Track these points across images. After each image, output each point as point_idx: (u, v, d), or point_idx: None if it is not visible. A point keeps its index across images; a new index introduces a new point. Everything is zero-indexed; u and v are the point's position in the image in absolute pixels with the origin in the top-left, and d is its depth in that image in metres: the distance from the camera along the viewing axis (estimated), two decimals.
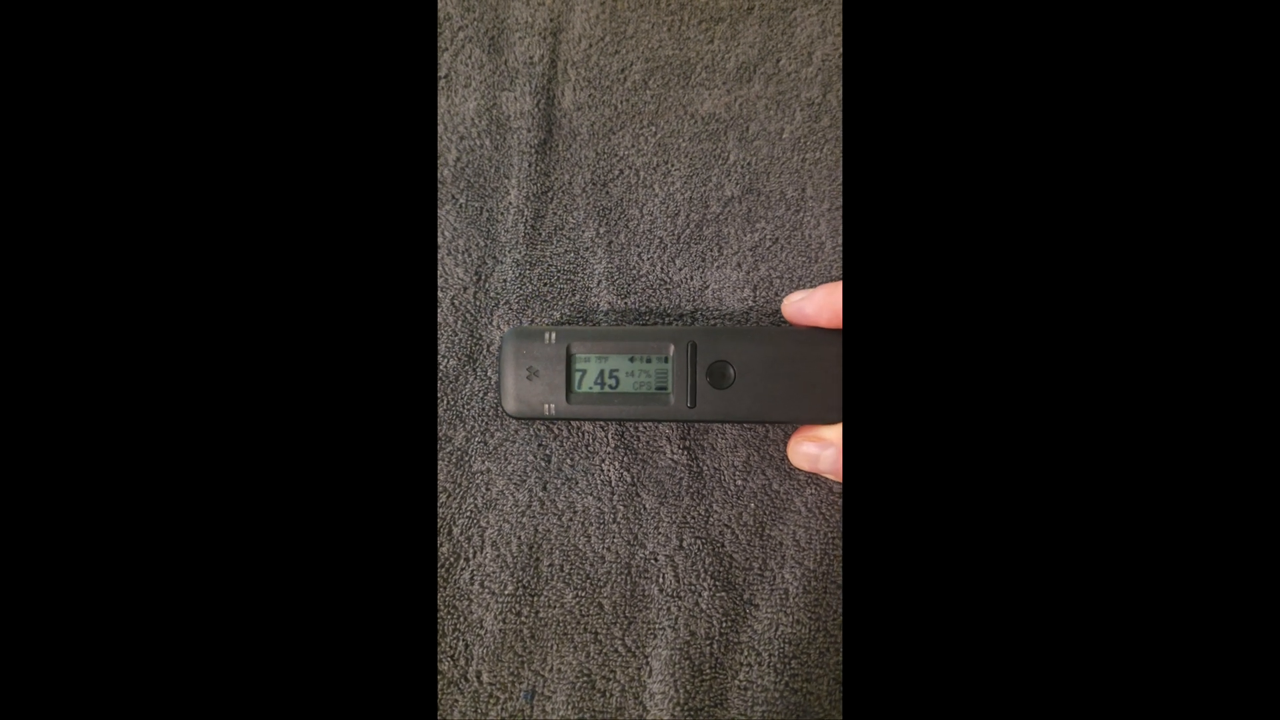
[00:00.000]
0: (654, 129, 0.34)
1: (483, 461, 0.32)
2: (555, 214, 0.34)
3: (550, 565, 0.32)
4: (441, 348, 0.33)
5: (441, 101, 0.35)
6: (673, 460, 0.32)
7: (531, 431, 0.32)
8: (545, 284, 0.33)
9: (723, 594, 0.31)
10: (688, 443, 0.32)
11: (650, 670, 0.31)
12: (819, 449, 0.29)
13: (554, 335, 0.30)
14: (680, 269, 0.33)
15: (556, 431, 0.33)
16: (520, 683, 0.31)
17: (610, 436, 0.32)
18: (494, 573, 0.32)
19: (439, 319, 0.33)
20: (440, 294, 0.33)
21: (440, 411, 0.33)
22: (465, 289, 0.33)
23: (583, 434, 0.32)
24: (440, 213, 0.34)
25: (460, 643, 0.31)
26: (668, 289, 0.33)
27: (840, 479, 0.29)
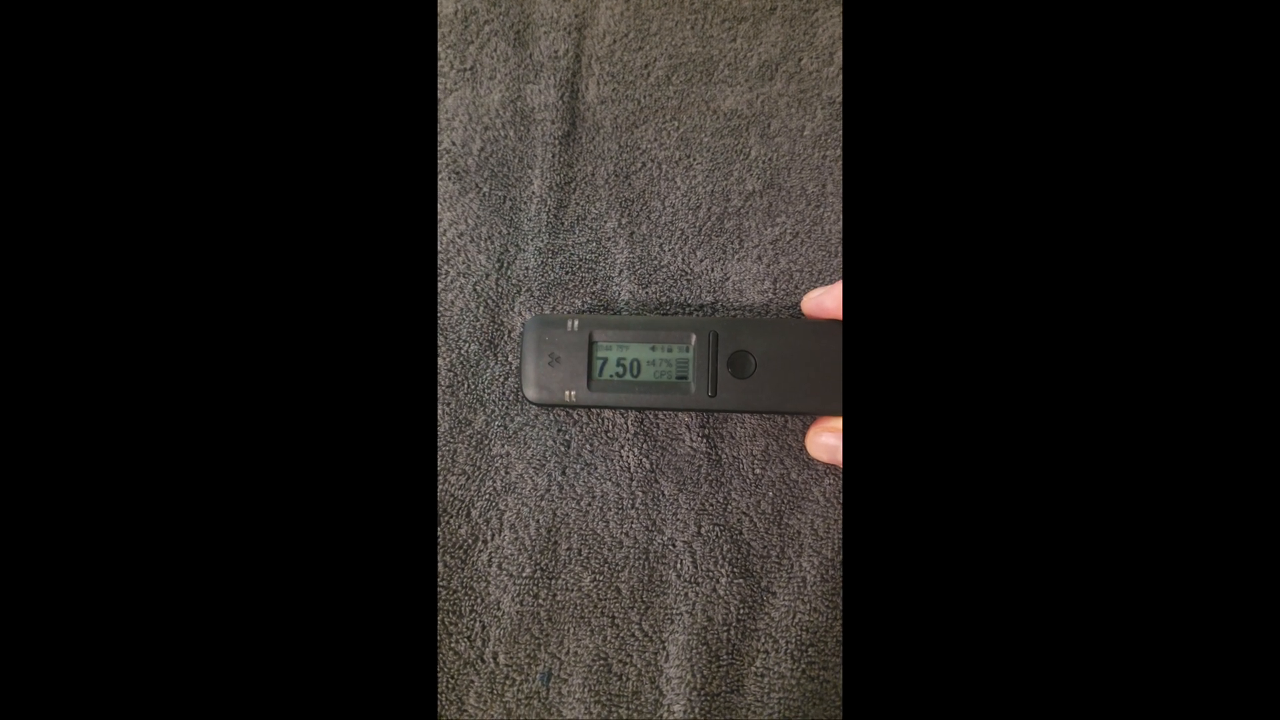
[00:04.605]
0: (676, 124, 0.35)
1: (502, 445, 0.33)
2: (578, 204, 0.34)
3: (568, 549, 0.32)
4: (463, 333, 0.33)
5: (466, 93, 0.35)
6: (692, 448, 0.32)
7: (551, 417, 0.33)
8: (567, 272, 0.34)
9: (740, 581, 0.32)
10: (707, 431, 0.33)
11: (667, 655, 0.31)
12: (837, 440, 0.29)
13: (576, 323, 0.30)
14: (701, 260, 0.34)
15: (576, 417, 0.33)
16: (537, 665, 0.31)
17: (630, 423, 0.33)
18: (512, 555, 0.32)
19: (461, 304, 0.33)
20: (463, 280, 0.34)
21: (461, 395, 0.33)
22: (488, 275, 0.34)
23: (602, 420, 0.33)
24: (464, 201, 0.34)
25: (477, 624, 0.31)
26: (688, 280, 0.33)
27: None
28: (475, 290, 0.34)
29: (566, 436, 0.33)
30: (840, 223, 0.34)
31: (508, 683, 0.31)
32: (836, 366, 0.29)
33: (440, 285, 0.34)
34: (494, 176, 0.34)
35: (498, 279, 0.34)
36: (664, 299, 0.33)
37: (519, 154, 0.35)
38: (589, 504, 0.32)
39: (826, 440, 0.29)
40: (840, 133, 0.34)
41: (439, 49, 0.36)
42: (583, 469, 0.32)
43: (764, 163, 0.34)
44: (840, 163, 0.34)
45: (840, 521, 0.32)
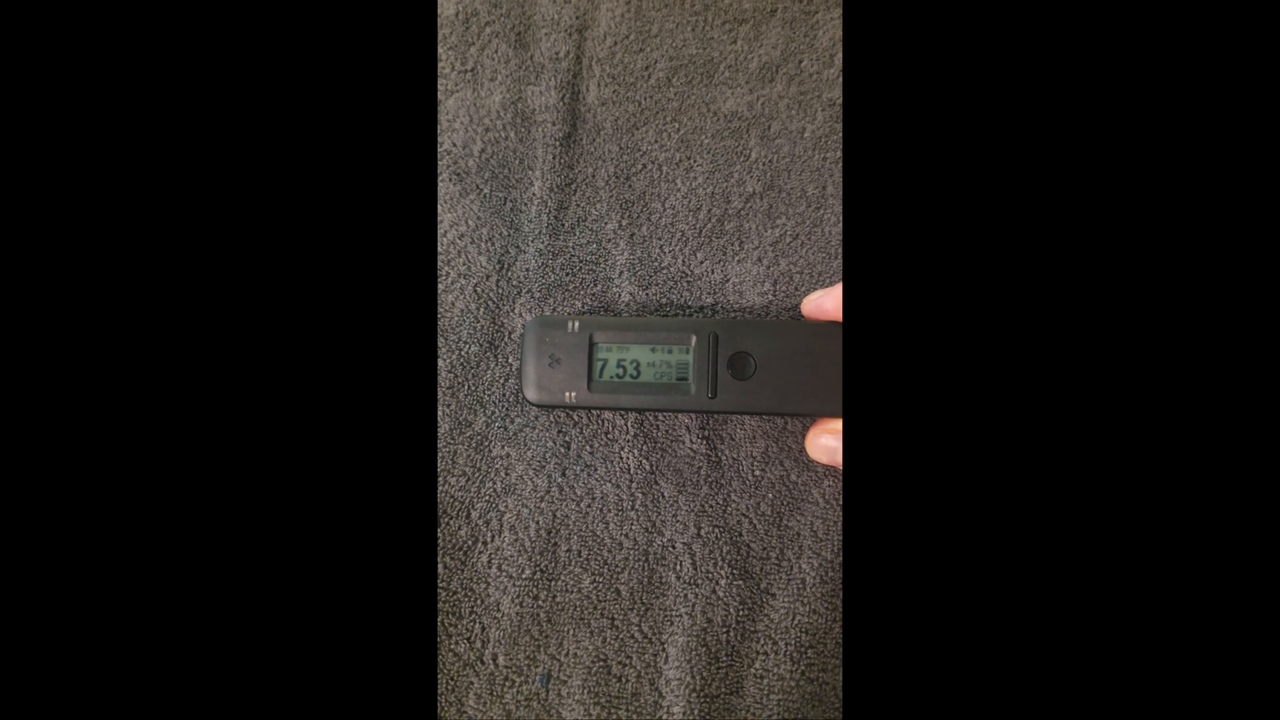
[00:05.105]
0: (677, 125, 0.35)
1: (502, 446, 0.33)
2: (578, 205, 0.34)
3: (568, 550, 0.32)
4: (464, 334, 0.33)
5: (467, 94, 0.35)
6: (691, 449, 0.32)
7: (551, 418, 0.33)
8: (567, 274, 0.34)
9: (740, 582, 0.32)
10: (706, 432, 0.33)
11: (667, 657, 0.31)
12: (837, 442, 0.29)
13: (577, 324, 0.30)
14: (701, 262, 0.34)
15: (576, 418, 0.33)
16: (536, 666, 0.31)
17: (629, 424, 0.33)
18: (512, 556, 0.32)
19: (462, 306, 0.33)
20: (464, 281, 0.34)
21: (461, 397, 0.33)
22: (488, 277, 0.34)
23: (602, 421, 0.33)
24: (464, 202, 0.34)
25: (477, 625, 0.31)
26: (688, 282, 0.34)
27: None
28: (476, 291, 0.34)
29: (566, 438, 0.33)
30: (840, 225, 0.34)
31: (507, 684, 0.31)
32: (836, 368, 0.29)
33: (441, 286, 0.34)
34: (495, 178, 0.34)
35: (498, 280, 0.34)
36: (664, 300, 0.33)
37: (520, 155, 0.35)
38: (589, 505, 0.32)
39: (826, 442, 0.29)
40: (840, 135, 0.34)
41: (440, 50, 0.36)
42: (583, 470, 0.32)
43: (764, 165, 0.34)
44: (840, 165, 0.34)
45: (840, 523, 0.32)
